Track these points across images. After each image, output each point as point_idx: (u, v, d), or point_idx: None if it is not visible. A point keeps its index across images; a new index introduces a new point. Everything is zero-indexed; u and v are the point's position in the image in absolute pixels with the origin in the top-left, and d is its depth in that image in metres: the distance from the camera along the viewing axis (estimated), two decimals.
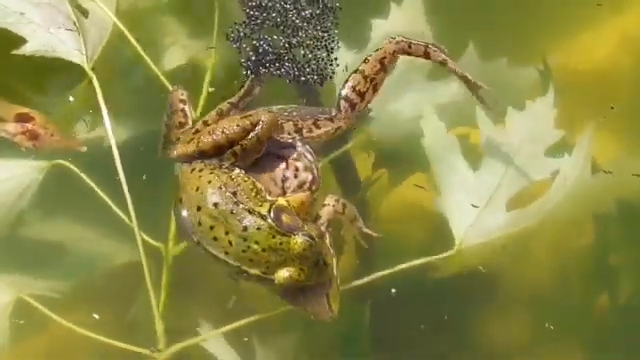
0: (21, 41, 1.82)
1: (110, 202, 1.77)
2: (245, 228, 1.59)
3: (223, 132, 1.70)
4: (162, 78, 1.86)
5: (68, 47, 1.83)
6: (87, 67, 1.84)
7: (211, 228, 1.61)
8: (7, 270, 1.83)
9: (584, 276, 1.93)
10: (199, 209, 1.63)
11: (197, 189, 1.64)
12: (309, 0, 1.89)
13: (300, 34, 1.87)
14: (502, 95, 1.85)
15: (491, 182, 1.81)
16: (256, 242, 1.58)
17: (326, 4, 1.89)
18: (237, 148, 1.70)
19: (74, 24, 1.84)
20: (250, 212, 1.60)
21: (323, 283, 1.61)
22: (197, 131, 1.75)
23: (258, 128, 1.70)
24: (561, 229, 1.84)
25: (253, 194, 1.64)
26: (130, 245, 1.79)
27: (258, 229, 1.58)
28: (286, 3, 1.88)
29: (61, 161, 1.83)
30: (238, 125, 1.70)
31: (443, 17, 1.95)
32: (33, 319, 1.78)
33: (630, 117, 1.98)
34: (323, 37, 1.87)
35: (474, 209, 1.78)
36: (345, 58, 1.89)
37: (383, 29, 1.92)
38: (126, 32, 1.88)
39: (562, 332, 1.88)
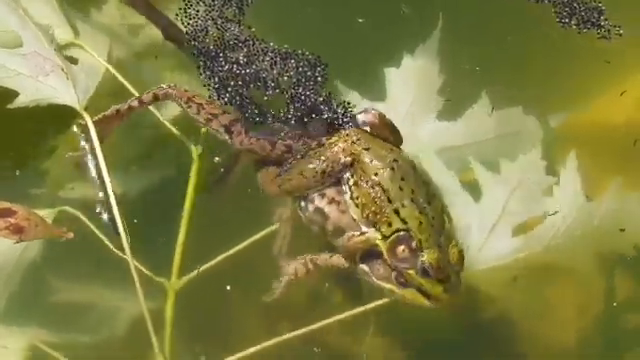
0: (14, 94, 1.83)
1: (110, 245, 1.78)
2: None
3: None
4: (167, 124, 1.88)
5: (59, 91, 1.84)
6: (79, 107, 1.84)
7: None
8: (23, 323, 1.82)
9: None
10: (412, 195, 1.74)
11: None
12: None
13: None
14: (515, 143, 1.91)
15: (494, 211, 1.84)
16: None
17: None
18: None
19: (62, 70, 1.85)
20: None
21: None
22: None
23: None
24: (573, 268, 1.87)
25: None
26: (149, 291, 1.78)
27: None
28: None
29: (67, 208, 1.83)
30: None
31: (456, 67, 1.97)
32: None
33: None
34: None
35: (480, 235, 1.83)
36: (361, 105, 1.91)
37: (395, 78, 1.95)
38: (120, 77, 1.90)
39: None
